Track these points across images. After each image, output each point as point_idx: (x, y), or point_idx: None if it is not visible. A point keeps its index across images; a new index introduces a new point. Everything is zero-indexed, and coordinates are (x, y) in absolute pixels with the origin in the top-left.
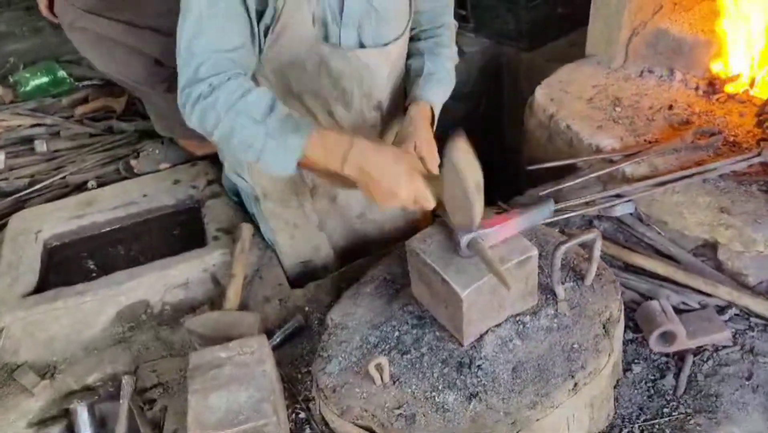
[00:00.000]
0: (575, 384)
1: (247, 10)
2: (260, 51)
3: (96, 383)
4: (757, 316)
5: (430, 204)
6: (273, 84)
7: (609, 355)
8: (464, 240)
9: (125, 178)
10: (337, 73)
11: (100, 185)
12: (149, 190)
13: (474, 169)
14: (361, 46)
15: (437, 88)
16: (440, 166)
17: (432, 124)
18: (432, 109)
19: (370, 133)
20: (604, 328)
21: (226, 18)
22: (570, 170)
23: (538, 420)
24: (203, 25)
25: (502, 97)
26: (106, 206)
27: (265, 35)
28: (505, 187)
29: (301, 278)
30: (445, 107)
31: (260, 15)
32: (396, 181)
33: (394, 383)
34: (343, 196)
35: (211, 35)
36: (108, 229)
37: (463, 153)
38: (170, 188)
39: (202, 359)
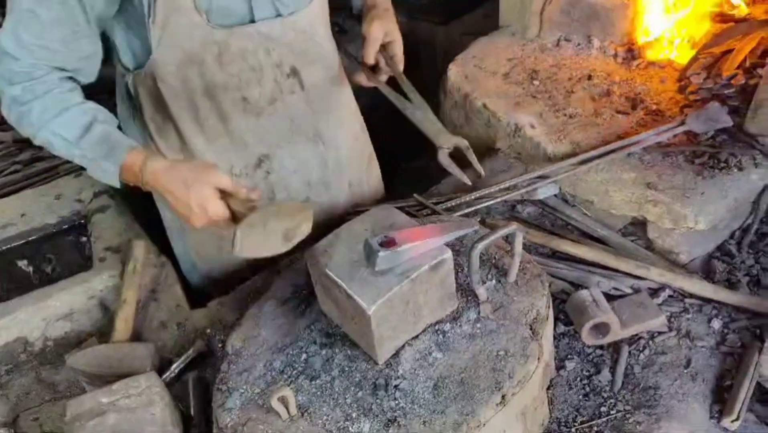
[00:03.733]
0: (503, 397)
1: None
2: (149, 52)
3: None
4: (692, 296)
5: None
6: (175, 88)
7: (538, 359)
8: (380, 259)
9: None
10: (240, 55)
11: None
12: (28, 209)
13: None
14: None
15: None
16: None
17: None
18: None
19: (296, 100)
20: (531, 329)
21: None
22: (490, 153)
23: None
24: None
25: (422, 76)
26: None
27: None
28: (427, 177)
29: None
30: (362, 92)
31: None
32: (185, 204)
33: (303, 414)
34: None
35: (33, 32)
36: None
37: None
38: (52, 204)
39: (81, 408)
